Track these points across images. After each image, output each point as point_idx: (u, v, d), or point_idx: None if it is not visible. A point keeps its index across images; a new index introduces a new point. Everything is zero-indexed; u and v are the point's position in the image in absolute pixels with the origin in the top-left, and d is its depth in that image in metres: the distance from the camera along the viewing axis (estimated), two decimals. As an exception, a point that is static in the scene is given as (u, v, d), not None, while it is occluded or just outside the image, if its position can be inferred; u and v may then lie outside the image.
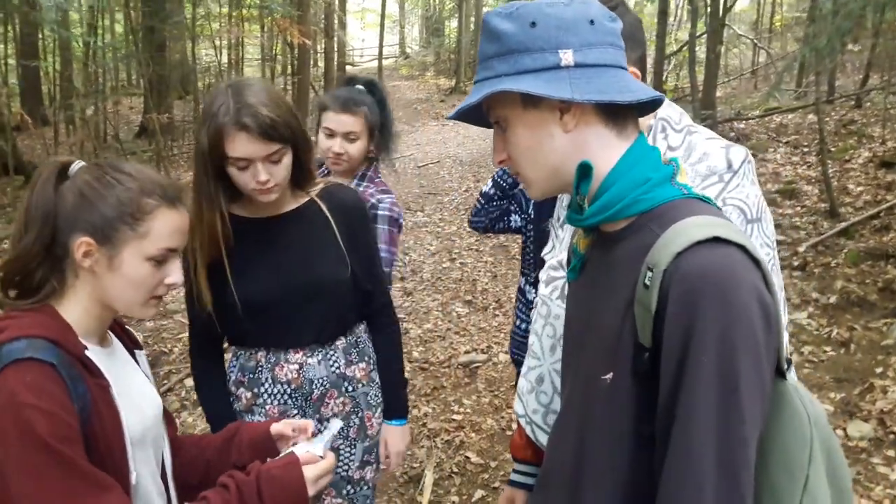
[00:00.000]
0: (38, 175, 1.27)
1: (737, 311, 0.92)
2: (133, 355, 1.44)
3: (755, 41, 14.42)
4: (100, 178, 1.26)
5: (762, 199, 1.44)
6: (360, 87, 2.42)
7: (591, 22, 1.06)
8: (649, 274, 0.98)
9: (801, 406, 1.00)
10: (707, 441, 0.92)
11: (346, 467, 1.99)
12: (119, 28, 14.25)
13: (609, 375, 1.05)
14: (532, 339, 1.61)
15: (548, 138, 1.10)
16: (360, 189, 2.37)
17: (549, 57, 1.06)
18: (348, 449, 1.99)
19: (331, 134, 2.32)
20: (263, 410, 1.93)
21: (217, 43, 12.77)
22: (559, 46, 1.05)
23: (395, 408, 2.07)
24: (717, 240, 0.95)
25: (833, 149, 7.65)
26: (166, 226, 1.29)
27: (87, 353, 1.24)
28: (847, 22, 4.91)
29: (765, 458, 1.01)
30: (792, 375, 1.07)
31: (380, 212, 2.32)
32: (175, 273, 1.33)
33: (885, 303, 4.69)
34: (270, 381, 1.91)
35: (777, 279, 1.38)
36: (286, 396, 1.92)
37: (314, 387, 1.92)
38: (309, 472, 1.34)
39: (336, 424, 1.53)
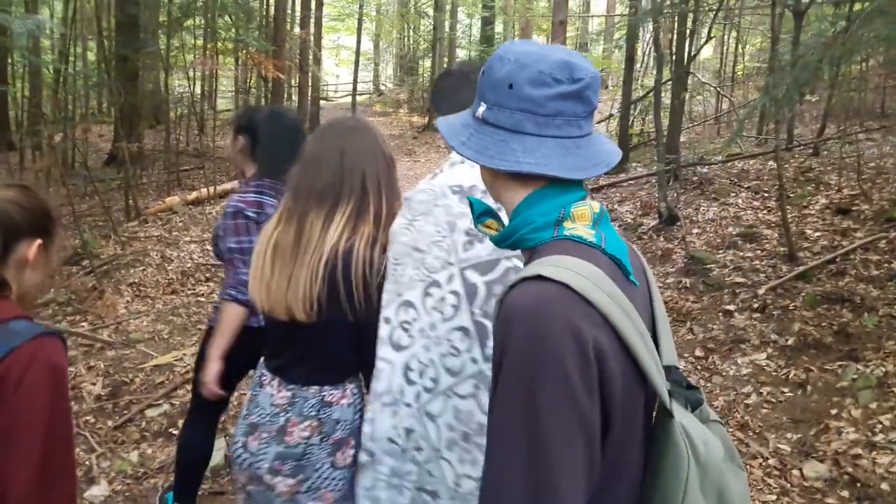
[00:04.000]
0: None
1: (539, 342, 0.98)
2: None
3: (718, 89, 14.84)
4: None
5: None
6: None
7: (510, 86, 1.13)
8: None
9: (682, 444, 1.06)
10: (513, 463, 0.98)
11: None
12: (91, 56, 14.22)
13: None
14: None
15: (479, 168, 1.26)
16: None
17: (477, 106, 1.19)
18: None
19: None
20: None
21: (191, 74, 12.76)
22: (482, 99, 1.18)
23: None
24: (540, 277, 1.04)
25: (792, 195, 7.88)
26: None
27: None
28: (805, 73, 5.11)
29: (649, 488, 1.10)
30: (686, 414, 1.12)
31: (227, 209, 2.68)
32: None
33: (840, 345, 4.81)
34: None
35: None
36: None
37: None
38: None
39: None
